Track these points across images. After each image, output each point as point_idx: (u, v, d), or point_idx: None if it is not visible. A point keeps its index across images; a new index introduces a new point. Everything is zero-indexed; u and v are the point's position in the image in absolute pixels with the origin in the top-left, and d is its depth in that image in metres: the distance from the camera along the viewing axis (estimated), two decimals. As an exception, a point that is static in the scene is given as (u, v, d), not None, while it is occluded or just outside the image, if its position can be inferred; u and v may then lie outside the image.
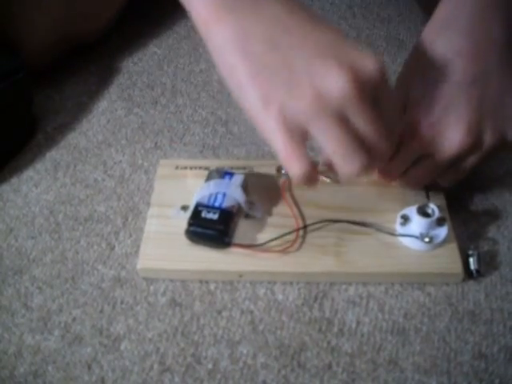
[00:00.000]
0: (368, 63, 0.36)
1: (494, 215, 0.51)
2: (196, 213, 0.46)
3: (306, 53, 0.37)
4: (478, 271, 0.46)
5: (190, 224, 0.46)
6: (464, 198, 0.52)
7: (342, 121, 0.36)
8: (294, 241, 0.46)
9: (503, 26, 0.43)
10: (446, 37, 0.43)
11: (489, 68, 0.42)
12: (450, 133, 0.41)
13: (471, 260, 0.46)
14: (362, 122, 0.37)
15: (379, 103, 0.38)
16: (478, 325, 0.44)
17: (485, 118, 0.42)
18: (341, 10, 0.78)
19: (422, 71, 0.44)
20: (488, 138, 0.42)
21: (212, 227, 0.45)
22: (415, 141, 0.42)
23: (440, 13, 0.44)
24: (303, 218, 0.48)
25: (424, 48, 0.44)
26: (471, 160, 0.44)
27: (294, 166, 0.38)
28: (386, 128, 0.38)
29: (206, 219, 0.46)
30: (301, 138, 0.37)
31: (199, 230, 0.46)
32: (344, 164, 0.38)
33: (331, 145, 0.37)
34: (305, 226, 0.47)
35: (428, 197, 0.49)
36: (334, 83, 0.35)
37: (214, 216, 0.46)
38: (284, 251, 0.46)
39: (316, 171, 0.39)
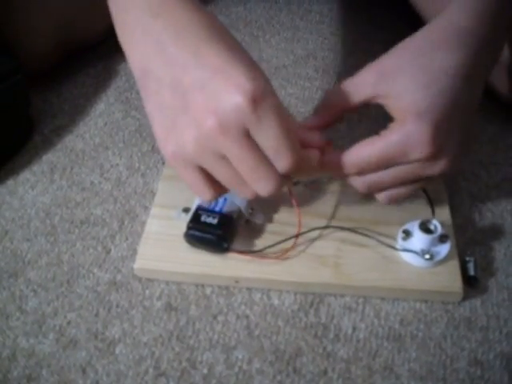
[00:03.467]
0: (232, 104, 0.36)
1: (490, 221, 0.51)
2: (196, 216, 0.46)
3: (184, 98, 0.38)
4: (474, 278, 0.45)
5: (189, 227, 0.46)
6: (461, 204, 0.52)
7: (222, 158, 0.38)
8: (292, 247, 0.46)
9: (489, 62, 0.44)
10: (457, 52, 0.41)
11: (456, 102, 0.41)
12: (445, 154, 0.41)
13: (468, 266, 0.46)
14: (236, 162, 0.38)
15: (258, 132, 0.37)
16: (474, 331, 0.44)
17: (448, 139, 0.41)
18: (339, 15, 0.78)
19: (429, 80, 0.41)
20: (445, 161, 0.41)
21: (211, 232, 0.45)
22: (416, 152, 0.40)
23: (441, 22, 0.43)
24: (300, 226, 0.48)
25: (429, 53, 0.42)
26: (428, 170, 0.42)
27: (202, 196, 0.41)
28: (263, 157, 0.38)
29: (205, 223, 0.45)
30: (198, 170, 0.39)
31: (198, 233, 0.45)
32: (237, 191, 0.40)
33: (221, 180, 0.40)
34: (297, 235, 0.46)
35: (433, 212, 0.48)
36: (201, 130, 0.37)
37: (214, 220, 0.45)
38: (281, 257, 0.45)
39: (224, 190, 0.41)
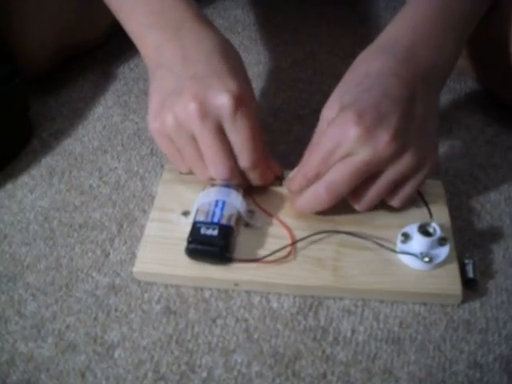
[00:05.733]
0: (217, 99, 0.44)
1: (489, 224, 0.51)
2: (195, 230, 0.45)
3: (182, 84, 0.46)
4: (473, 280, 0.45)
5: (189, 242, 0.45)
6: (460, 206, 0.52)
7: (192, 140, 0.46)
8: (289, 252, 0.46)
9: (433, 65, 0.47)
10: (384, 59, 0.46)
11: (417, 94, 0.45)
12: (379, 133, 0.42)
13: (467, 269, 0.46)
14: (202, 145, 0.45)
15: (232, 129, 0.45)
16: (473, 334, 0.44)
17: (410, 133, 0.44)
18: (336, 16, 0.78)
19: (357, 83, 0.46)
20: (409, 155, 0.44)
21: (213, 244, 0.44)
22: (345, 137, 0.43)
23: (381, 39, 0.49)
24: (291, 230, 0.48)
25: (362, 65, 0.47)
26: (391, 173, 0.44)
27: (178, 167, 0.49)
28: (228, 154, 0.46)
29: (205, 236, 0.45)
30: (174, 145, 0.47)
31: (199, 247, 0.45)
32: (196, 171, 0.48)
33: (186, 158, 0.47)
34: (295, 242, 0.46)
35: (431, 215, 0.48)
36: (184, 110, 0.44)
37: (214, 232, 0.45)
38: (279, 261, 0.45)
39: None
